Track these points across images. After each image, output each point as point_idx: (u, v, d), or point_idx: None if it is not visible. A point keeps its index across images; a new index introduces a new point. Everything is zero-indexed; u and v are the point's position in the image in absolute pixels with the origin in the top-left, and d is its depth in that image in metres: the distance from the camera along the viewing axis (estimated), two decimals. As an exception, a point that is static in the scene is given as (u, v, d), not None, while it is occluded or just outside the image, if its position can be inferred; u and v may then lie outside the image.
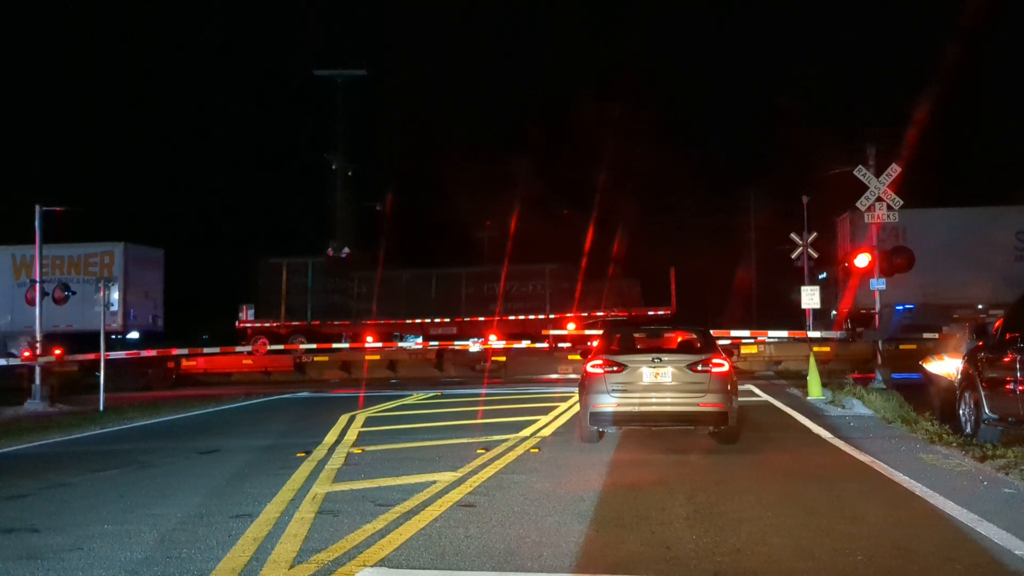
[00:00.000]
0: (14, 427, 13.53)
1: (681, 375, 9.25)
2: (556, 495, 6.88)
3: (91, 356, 20.28)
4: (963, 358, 10.12)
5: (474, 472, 7.90)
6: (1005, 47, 51.77)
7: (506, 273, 28.10)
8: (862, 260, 18.38)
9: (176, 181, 55.24)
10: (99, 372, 17.76)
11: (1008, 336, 8.74)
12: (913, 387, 14.51)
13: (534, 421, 12.09)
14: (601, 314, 26.91)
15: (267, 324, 28.83)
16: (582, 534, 5.57)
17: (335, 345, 27.47)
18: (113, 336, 23.25)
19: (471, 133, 58.71)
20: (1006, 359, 8.62)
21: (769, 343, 24.37)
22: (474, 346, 26.59)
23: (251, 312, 29.40)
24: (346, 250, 32.12)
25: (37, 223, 19.08)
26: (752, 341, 24.25)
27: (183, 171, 54.73)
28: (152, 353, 24.88)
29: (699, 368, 9.27)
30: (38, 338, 19.10)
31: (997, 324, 9.37)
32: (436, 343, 27.38)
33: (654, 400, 9.28)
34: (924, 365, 12.69)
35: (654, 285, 28.60)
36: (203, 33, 64.02)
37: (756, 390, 17.27)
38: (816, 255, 25.30)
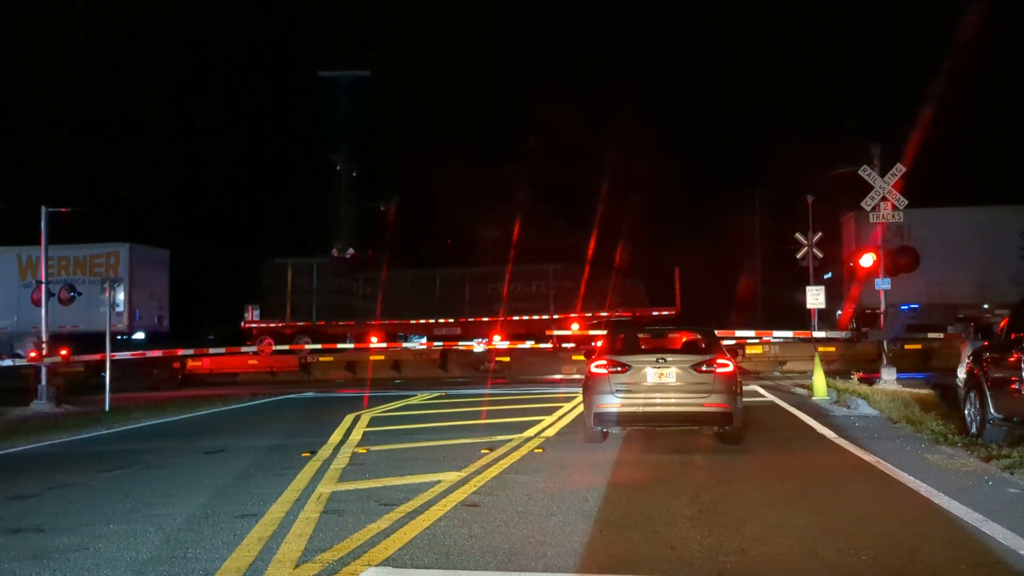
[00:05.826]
0: (20, 427, 13.58)
1: (685, 375, 9.24)
2: (560, 495, 6.89)
3: (97, 356, 20.35)
4: (968, 358, 10.10)
5: (478, 472, 7.91)
6: (1010, 46, 51.62)
7: (510, 273, 28.05)
8: (867, 260, 18.34)
9: (181, 182, 55.42)
10: (105, 372, 17.83)
11: (1013, 336, 8.71)
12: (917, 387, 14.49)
13: (538, 421, 12.09)
14: (605, 314, 26.88)
15: (272, 324, 28.89)
16: (586, 534, 5.57)
17: (340, 345, 27.54)
18: (119, 336, 23.31)
19: (476, 133, 58.81)
20: (1011, 359, 8.59)
21: (774, 343, 24.34)
22: (478, 346, 26.60)
23: (256, 312, 29.46)
24: (351, 250, 32.22)
25: (43, 224, 19.14)
26: (757, 341, 24.23)
27: (188, 172, 54.92)
28: (157, 353, 24.96)
29: (703, 368, 9.25)
30: (44, 338, 19.16)
31: (1002, 324, 9.35)
32: (440, 343, 27.40)
33: (658, 400, 9.26)
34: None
35: (658, 285, 28.59)
36: (208, 34, 64.21)
37: (761, 390, 17.23)
38: (821, 255, 25.26)
